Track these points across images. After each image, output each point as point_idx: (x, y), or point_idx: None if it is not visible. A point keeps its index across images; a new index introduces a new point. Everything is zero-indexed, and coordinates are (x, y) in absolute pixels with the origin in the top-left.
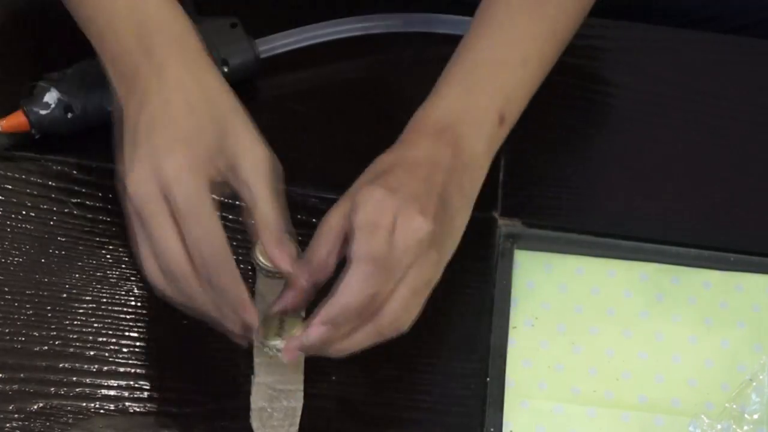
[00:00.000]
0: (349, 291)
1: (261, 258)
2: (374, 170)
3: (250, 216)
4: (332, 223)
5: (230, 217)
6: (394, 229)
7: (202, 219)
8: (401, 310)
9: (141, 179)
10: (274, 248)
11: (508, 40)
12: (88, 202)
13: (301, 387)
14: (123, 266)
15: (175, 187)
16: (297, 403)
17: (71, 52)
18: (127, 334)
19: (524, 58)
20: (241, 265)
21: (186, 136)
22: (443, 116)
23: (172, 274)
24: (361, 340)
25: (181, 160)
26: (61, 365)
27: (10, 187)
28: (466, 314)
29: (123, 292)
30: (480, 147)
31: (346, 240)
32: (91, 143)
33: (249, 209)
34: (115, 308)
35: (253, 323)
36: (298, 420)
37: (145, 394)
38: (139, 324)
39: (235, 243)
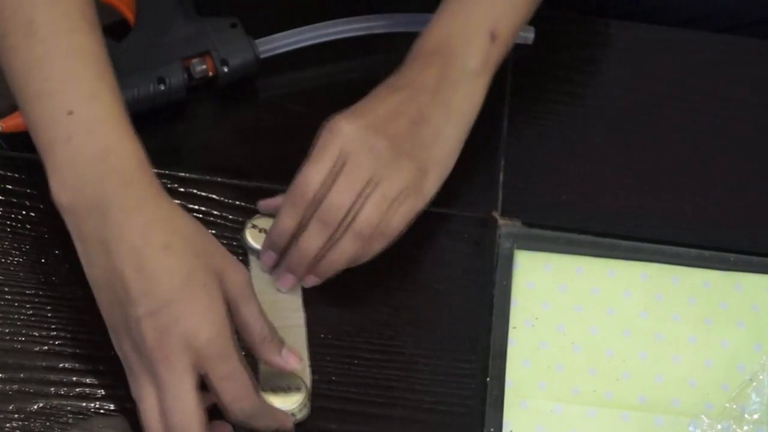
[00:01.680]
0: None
1: (251, 240)
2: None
3: (242, 329)
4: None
5: (230, 217)
6: (345, 149)
7: (233, 374)
8: (375, 213)
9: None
10: (277, 356)
11: None
12: None
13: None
14: None
15: (219, 351)
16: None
17: None
18: None
19: None
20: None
21: (196, 301)
22: (434, 40)
23: None
24: (345, 247)
25: (206, 329)
26: (61, 365)
27: (10, 187)
28: (466, 314)
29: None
30: (472, 63)
31: None
32: None
33: (240, 325)
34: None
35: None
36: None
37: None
38: None
39: (235, 243)
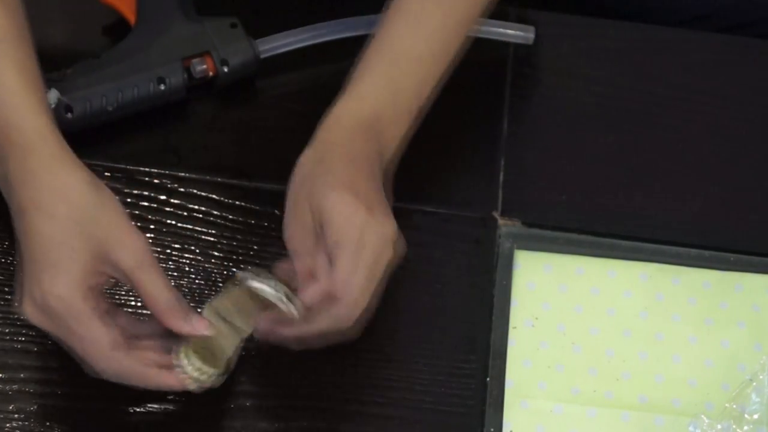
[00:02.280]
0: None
1: (256, 284)
2: (309, 171)
3: (145, 299)
4: (300, 242)
5: (230, 217)
6: (370, 238)
7: (85, 335)
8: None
9: (28, 312)
10: (181, 323)
11: (423, 35)
12: None
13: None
14: None
15: (55, 316)
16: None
17: (71, 52)
18: None
19: (438, 52)
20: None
21: (58, 265)
22: (368, 112)
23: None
24: (320, 325)
25: (57, 289)
26: (61, 365)
27: None
28: (466, 314)
29: (123, 292)
30: (397, 141)
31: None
32: (91, 143)
33: (142, 295)
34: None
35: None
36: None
37: (145, 394)
38: None
39: (235, 243)
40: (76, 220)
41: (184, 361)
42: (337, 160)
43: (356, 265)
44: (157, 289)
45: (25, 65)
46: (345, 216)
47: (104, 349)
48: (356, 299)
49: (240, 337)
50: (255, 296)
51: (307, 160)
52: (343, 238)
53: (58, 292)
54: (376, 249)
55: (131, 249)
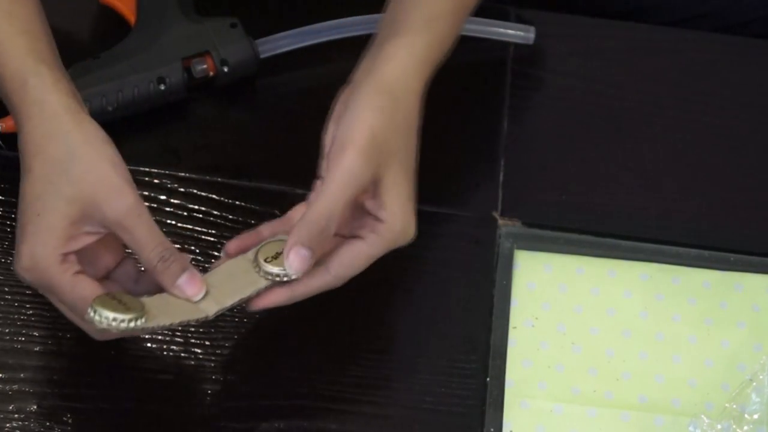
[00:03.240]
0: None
1: (267, 266)
2: (380, 131)
3: (135, 249)
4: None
5: (230, 217)
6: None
7: (66, 297)
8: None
9: (20, 270)
10: (169, 285)
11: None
12: None
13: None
14: None
15: (35, 281)
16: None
17: (71, 52)
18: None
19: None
20: None
21: (36, 231)
22: (427, 76)
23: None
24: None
25: (34, 256)
26: (61, 365)
27: (10, 187)
28: (466, 314)
29: (123, 292)
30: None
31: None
32: None
33: (131, 245)
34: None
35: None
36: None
37: (145, 394)
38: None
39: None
40: (50, 179)
41: (94, 317)
42: (406, 133)
43: (369, 254)
44: (137, 247)
45: (15, 13)
46: (400, 218)
47: (74, 316)
48: (349, 278)
49: (191, 317)
50: (250, 269)
51: (378, 112)
52: (383, 231)
53: (35, 258)
54: (391, 246)
55: (113, 209)
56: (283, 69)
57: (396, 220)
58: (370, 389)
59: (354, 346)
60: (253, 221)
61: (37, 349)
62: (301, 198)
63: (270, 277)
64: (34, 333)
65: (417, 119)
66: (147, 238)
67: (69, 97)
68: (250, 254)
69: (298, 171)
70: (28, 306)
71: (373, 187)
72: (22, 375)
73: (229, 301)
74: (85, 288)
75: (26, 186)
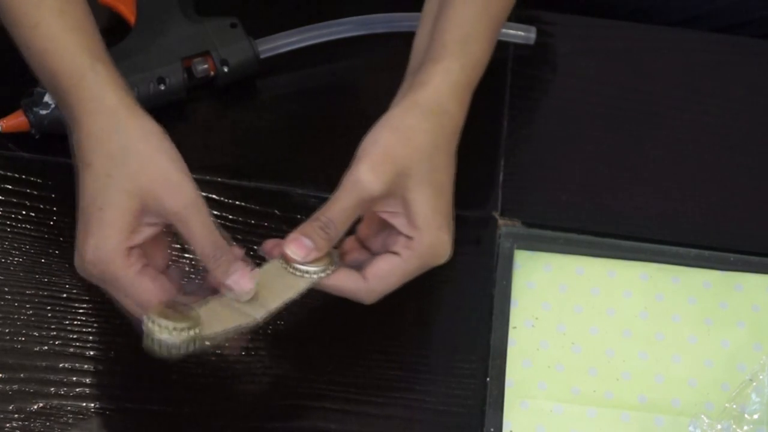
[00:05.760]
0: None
1: (304, 266)
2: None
3: (191, 241)
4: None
5: (230, 217)
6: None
7: (127, 291)
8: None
9: (85, 263)
10: (222, 278)
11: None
12: None
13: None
14: None
15: (96, 276)
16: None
17: None
18: (126, 334)
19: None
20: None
21: (101, 226)
22: (432, 96)
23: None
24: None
25: (97, 251)
26: (61, 365)
27: (10, 187)
28: (466, 314)
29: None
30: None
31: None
32: None
33: (188, 238)
34: (115, 308)
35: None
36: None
37: (145, 394)
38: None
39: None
40: (108, 173)
41: (153, 327)
42: (432, 153)
43: (404, 269)
44: (193, 242)
45: (67, 11)
46: (430, 235)
47: (133, 310)
48: (381, 293)
49: (242, 322)
50: (285, 273)
51: (395, 131)
52: (415, 247)
53: (100, 252)
54: (426, 263)
55: (171, 204)
56: (283, 69)
57: (426, 238)
58: (370, 389)
59: (354, 347)
60: (253, 221)
61: (37, 349)
62: (301, 198)
63: (308, 275)
64: (34, 333)
65: (452, 140)
66: (204, 230)
67: (125, 92)
68: (279, 260)
69: (298, 171)
70: (28, 306)
71: (403, 207)
72: (22, 375)
73: (274, 305)
74: (149, 283)
75: (87, 180)
